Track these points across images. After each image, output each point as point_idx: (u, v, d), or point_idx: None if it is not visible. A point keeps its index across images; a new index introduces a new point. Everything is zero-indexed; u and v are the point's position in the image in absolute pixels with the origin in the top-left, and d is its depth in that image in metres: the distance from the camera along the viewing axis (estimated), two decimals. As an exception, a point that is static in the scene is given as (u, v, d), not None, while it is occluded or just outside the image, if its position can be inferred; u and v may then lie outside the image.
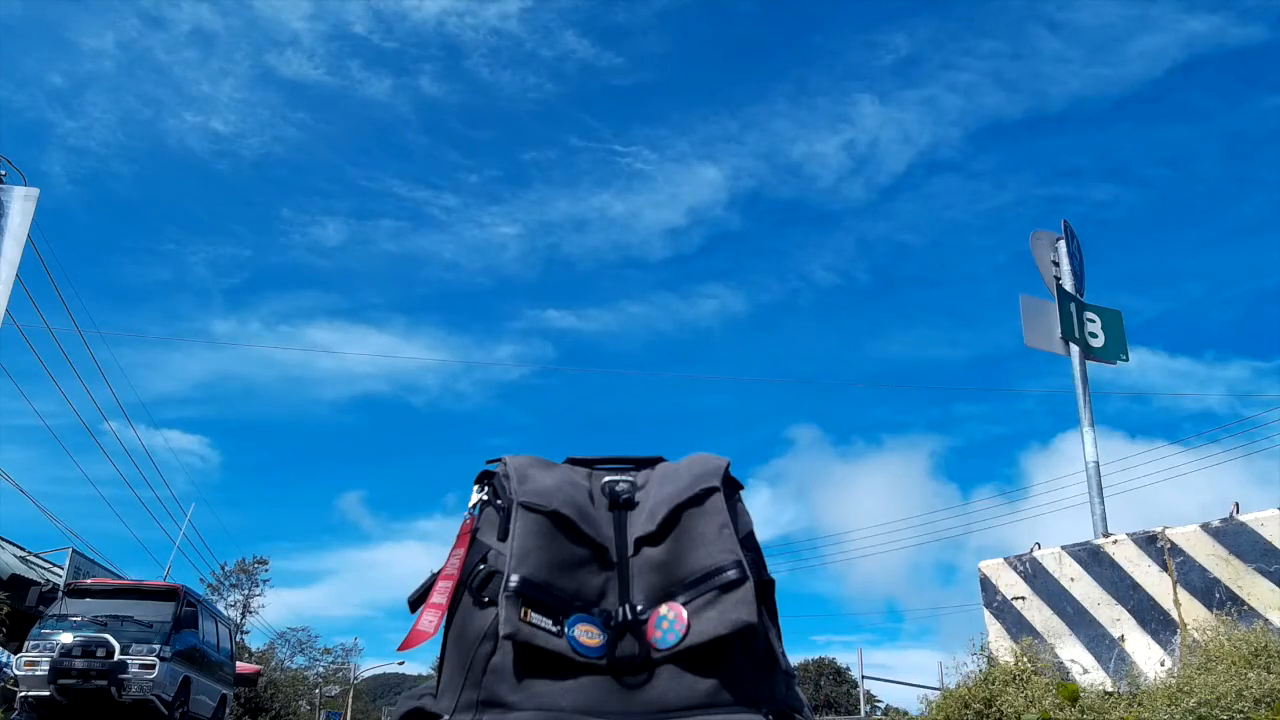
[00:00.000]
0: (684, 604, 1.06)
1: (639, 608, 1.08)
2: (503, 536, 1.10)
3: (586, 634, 1.04)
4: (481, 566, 1.11)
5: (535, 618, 1.02)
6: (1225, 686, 4.12)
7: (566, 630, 1.03)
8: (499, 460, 1.22)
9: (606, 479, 1.21)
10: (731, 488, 1.20)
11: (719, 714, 1.02)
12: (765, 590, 1.14)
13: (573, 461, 1.26)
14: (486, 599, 1.08)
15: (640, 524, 1.14)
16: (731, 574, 1.06)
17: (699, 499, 1.13)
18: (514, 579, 1.04)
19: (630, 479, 1.21)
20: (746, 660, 1.07)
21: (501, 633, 1.02)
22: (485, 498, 1.20)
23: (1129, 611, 5.38)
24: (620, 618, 1.07)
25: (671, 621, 1.05)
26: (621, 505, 1.17)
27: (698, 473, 1.17)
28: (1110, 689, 5.22)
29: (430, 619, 1.13)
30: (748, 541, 1.16)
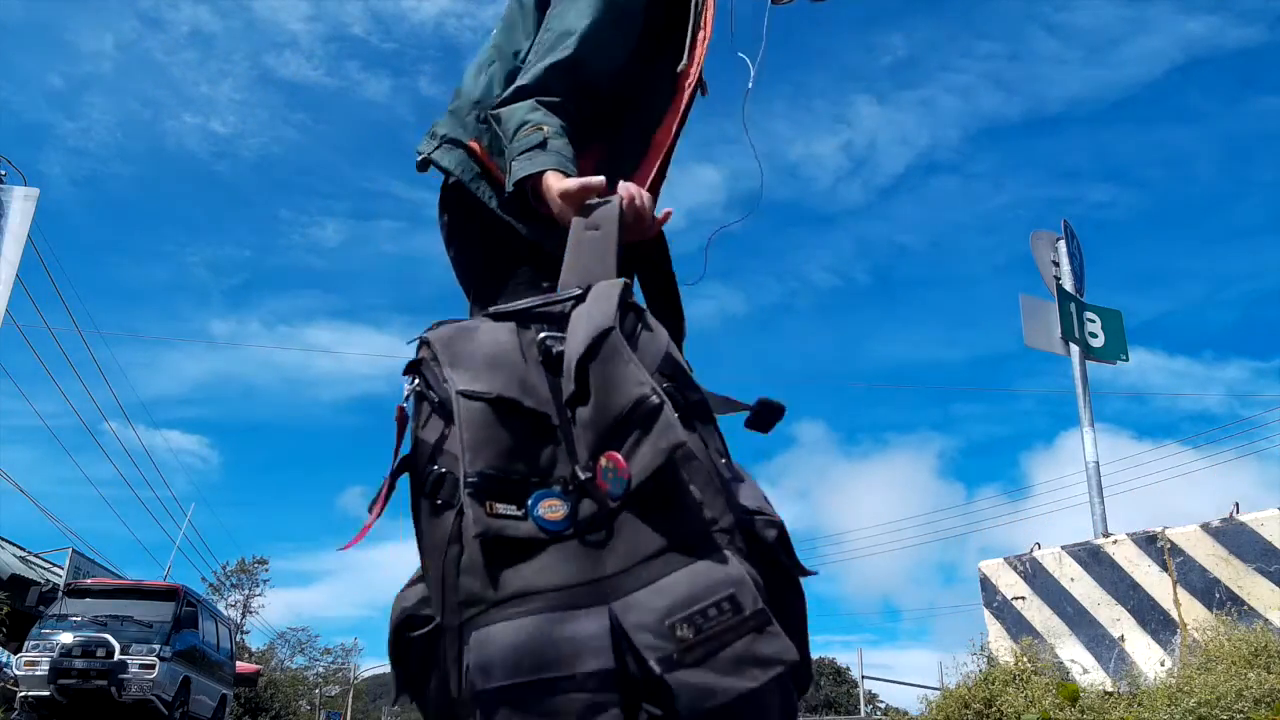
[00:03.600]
0: (618, 449, 1.02)
1: (585, 466, 1.04)
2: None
3: (550, 509, 1.01)
4: (431, 469, 1.07)
5: (500, 508, 1.00)
6: (1225, 686, 4.13)
7: (531, 512, 1.01)
8: (423, 342, 1.15)
9: (540, 335, 1.15)
10: (633, 315, 1.15)
11: (688, 559, 0.99)
12: (698, 409, 1.10)
13: (496, 317, 1.18)
14: (441, 501, 1.05)
15: (565, 386, 1.09)
16: (648, 404, 1.01)
17: (594, 350, 1.07)
18: (471, 476, 1.00)
19: (561, 334, 1.14)
20: (695, 484, 1.03)
21: (473, 534, 0.99)
22: (419, 389, 1.13)
23: (1129, 611, 5.39)
24: (573, 481, 1.03)
25: (613, 470, 1.01)
26: (555, 363, 1.12)
27: (596, 322, 1.10)
28: (1110, 689, 5.23)
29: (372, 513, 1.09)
30: (664, 366, 1.11)
